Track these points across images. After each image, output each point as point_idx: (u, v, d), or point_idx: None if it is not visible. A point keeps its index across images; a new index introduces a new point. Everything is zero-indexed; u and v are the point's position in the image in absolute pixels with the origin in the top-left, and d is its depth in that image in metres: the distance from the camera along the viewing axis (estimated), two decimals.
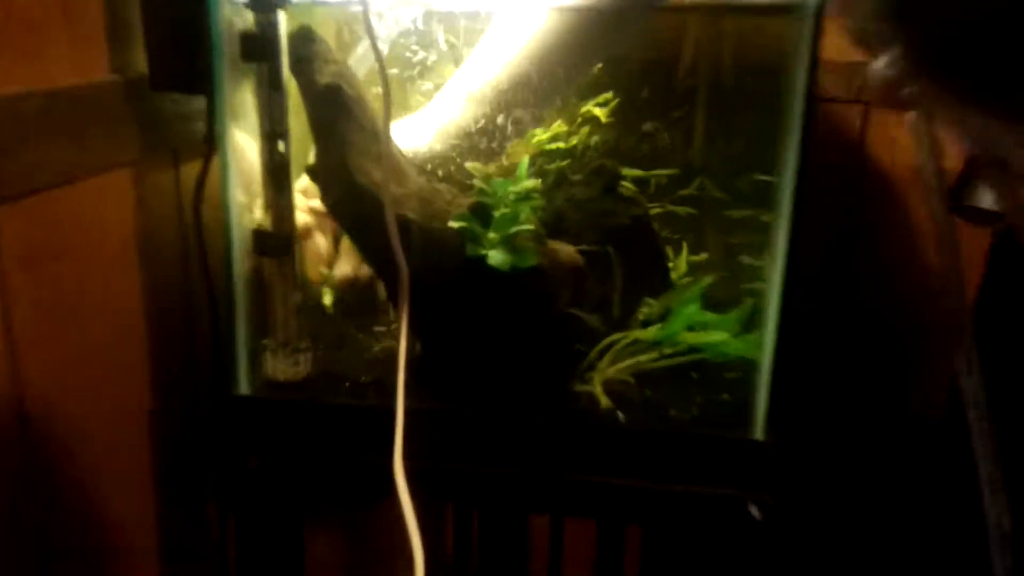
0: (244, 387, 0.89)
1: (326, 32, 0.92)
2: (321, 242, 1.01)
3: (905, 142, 1.29)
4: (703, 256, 1.13)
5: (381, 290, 1.01)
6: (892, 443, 1.42)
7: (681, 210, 1.18)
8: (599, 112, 1.22)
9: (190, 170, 0.96)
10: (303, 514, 1.02)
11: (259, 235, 0.85)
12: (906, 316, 1.37)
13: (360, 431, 0.87)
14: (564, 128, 1.21)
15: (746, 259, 1.09)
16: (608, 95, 1.20)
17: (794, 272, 0.81)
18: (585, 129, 1.21)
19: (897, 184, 1.36)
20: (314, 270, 1.00)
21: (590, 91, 1.19)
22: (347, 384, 0.92)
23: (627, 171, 1.08)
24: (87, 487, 0.90)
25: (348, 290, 0.99)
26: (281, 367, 0.90)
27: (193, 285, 1.01)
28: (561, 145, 1.20)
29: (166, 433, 1.00)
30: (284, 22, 0.81)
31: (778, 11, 0.87)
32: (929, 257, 1.33)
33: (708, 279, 0.89)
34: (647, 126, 1.15)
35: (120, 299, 0.93)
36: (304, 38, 0.86)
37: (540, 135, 1.18)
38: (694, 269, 1.11)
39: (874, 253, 1.38)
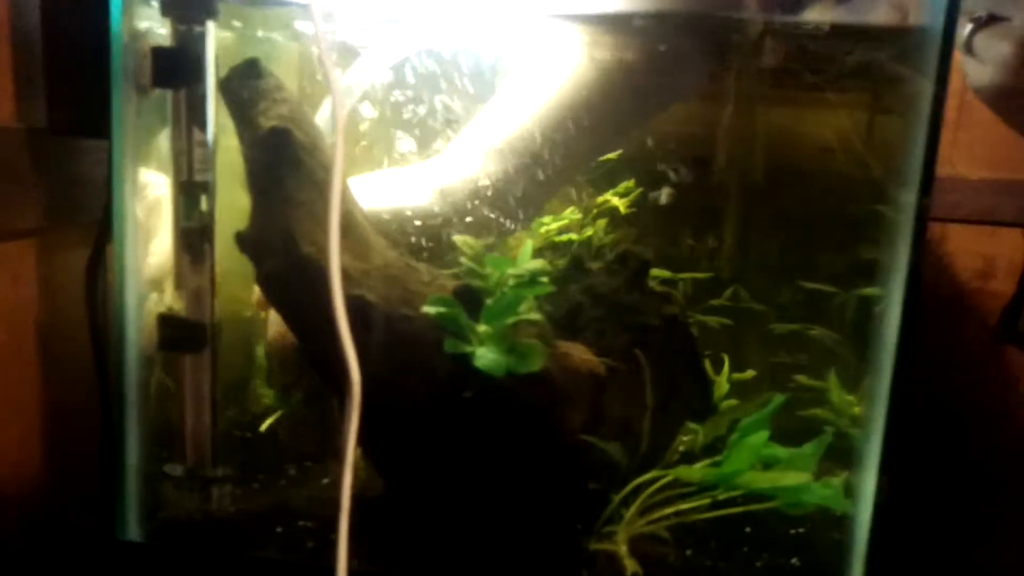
0: (132, 530, 0.65)
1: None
2: None
3: (949, 261, 1.13)
4: (750, 374, 0.90)
5: None
6: None
7: (713, 320, 0.99)
8: (618, 203, 1.02)
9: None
10: None
11: (165, 322, 0.63)
12: (958, 451, 1.17)
13: None
14: (577, 217, 1.01)
15: (803, 379, 0.89)
16: (630, 183, 1.02)
17: (902, 397, 0.59)
18: (602, 221, 1.02)
19: (942, 307, 1.17)
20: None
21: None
22: (279, 530, 0.68)
23: (655, 272, 0.87)
24: None
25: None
26: (186, 503, 0.65)
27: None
28: (574, 237, 1.00)
29: None
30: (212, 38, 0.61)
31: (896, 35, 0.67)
32: (978, 385, 1.15)
33: (780, 397, 0.66)
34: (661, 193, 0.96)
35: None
36: (247, 72, 0.67)
37: (548, 223, 0.98)
38: (739, 390, 0.88)
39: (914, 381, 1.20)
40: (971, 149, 1.13)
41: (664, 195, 0.97)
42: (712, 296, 1.00)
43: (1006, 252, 1.14)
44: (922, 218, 0.58)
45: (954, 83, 1.13)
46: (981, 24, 0.50)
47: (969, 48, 0.52)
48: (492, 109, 0.81)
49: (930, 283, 1.19)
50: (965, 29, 0.52)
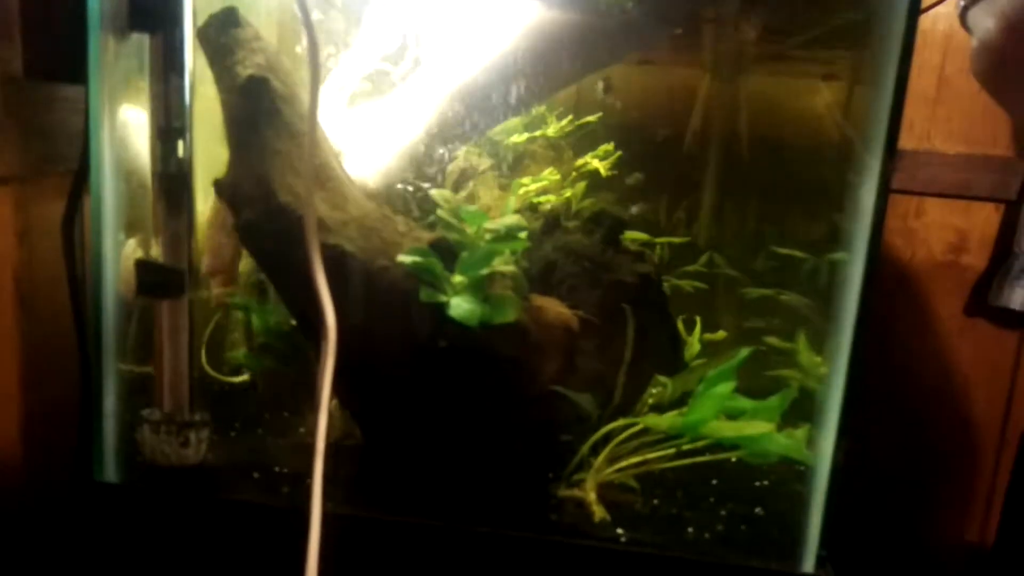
0: (110, 471, 0.66)
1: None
2: None
3: (925, 234, 1.15)
4: (721, 334, 0.92)
5: None
6: None
7: (687, 284, 1.00)
8: (599, 165, 1.03)
9: None
10: None
11: (143, 268, 0.64)
12: (929, 423, 1.22)
13: (264, 540, 0.63)
14: (556, 178, 1.02)
15: (773, 340, 0.90)
16: (609, 146, 1.02)
17: (859, 356, 0.61)
18: (581, 184, 1.02)
19: (915, 279, 1.19)
20: None
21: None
22: (256, 475, 0.69)
23: (630, 234, 0.88)
24: None
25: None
26: (164, 448, 0.66)
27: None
28: (552, 198, 1.00)
29: (16, 530, 0.75)
30: None
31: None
32: (949, 357, 1.19)
33: (746, 351, 0.67)
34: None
35: None
36: (226, 21, 0.67)
37: (527, 183, 0.99)
38: (709, 350, 0.89)
39: (887, 352, 1.20)
40: (948, 124, 1.14)
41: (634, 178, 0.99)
42: (688, 262, 1.01)
43: (979, 226, 1.16)
44: (885, 183, 0.59)
45: (933, 59, 1.14)
46: (971, 2, 0.51)
47: (964, 26, 0.53)
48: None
49: (904, 256, 1.20)
50: (958, 8, 0.53)
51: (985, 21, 0.48)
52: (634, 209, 1.01)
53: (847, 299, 0.64)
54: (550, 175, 1.00)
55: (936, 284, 1.19)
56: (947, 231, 1.19)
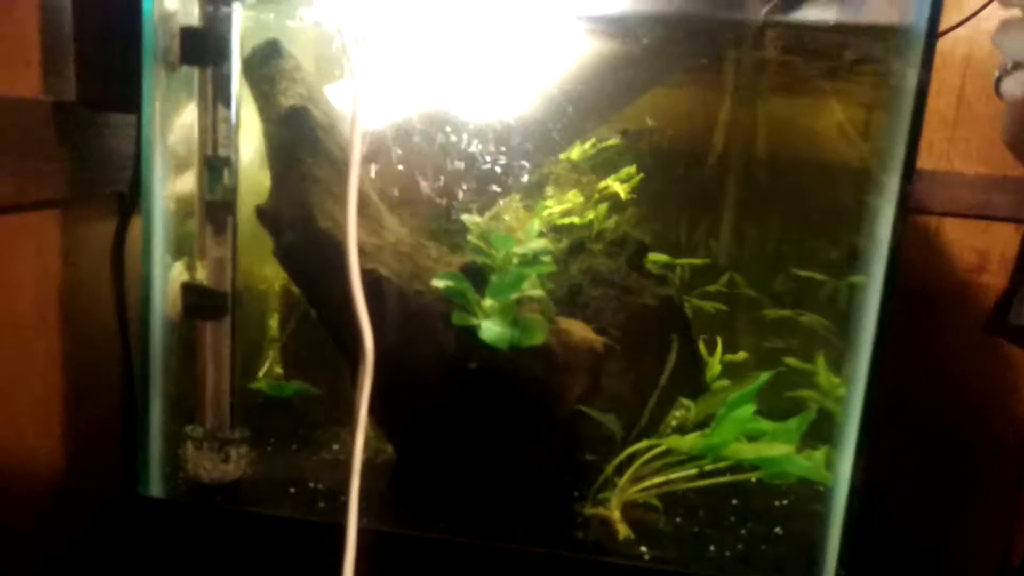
0: (155, 487, 0.68)
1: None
2: None
3: (944, 255, 1.15)
4: (742, 355, 0.94)
5: None
6: None
7: (709, 305, 1.02)
8: (620, 188, 1.05)
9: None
10: None
11: (189, 291, 0.66)
12: (949, 442, 1.21)
13: (303, 554, 0.66)
14: (579, 201, 1.04)
15: (792, 361, 0.91)
16: (631, 169, 1.04)
17: (879, 377, 0.62)
18: (603, 206, 1.04)
19: (935, 299, 1.20)
20: None
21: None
22: (293, 491, 0.71)
23: (652, 256, 0.90)
24: None
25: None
26: (206, 464, 0.69)
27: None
28: (576, 220, 1.02)
29: (60, 543, 0.78)
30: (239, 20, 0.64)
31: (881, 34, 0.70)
32: (969, 376, 1.18)
33: (767, 374, 0.69)
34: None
35: (27, 375, 0.73)
36: (269, 53, 0.70)
37: (551, 206, 1.01)
38: (731, 371, 0.91)
39: (907, 371, 1.21)
40: (968, 145, 1.15)
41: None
42: (709, 281, 1.03)
43: (999, 246, 1.16)
44: (903, 207, 0.61)
45: (952, 81, 1.15)
46: (1005, 72, 0.53)
47: (997, 94, 0.56)
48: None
49: (924, 275, 1.21)
50: (995, 77, 0.56)
51: (1015, 90, 0.51)
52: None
53: (866, 321, 0.66)
54: (573, 197, 1.02)
55: (956, 304, 1.20)
56: (967, 251, 1.19)
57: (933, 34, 0.55)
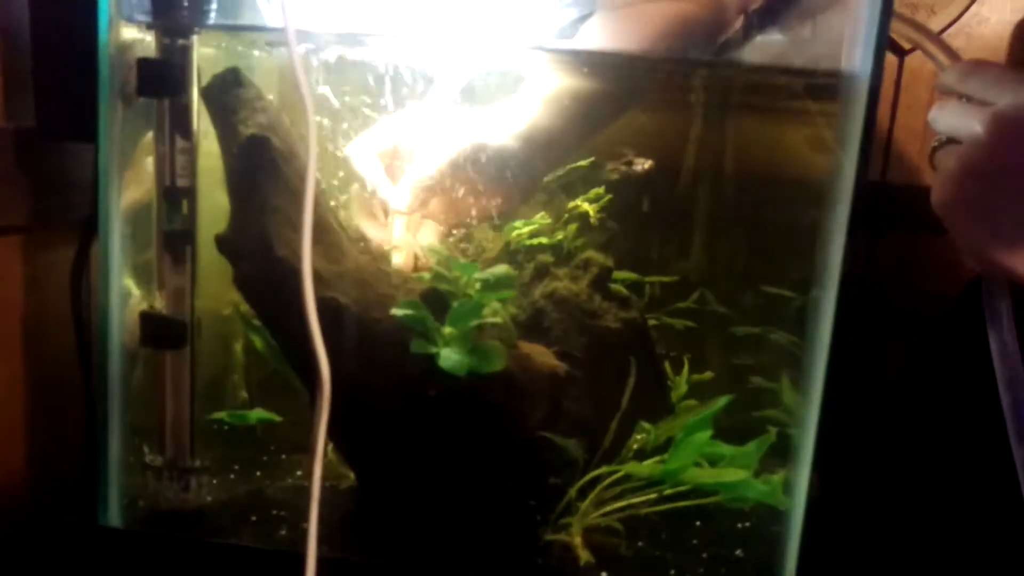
0: (116, 517, 0.68)
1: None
2: None
3: (917, 269, 1.16)
4: (708, 375, 0.94)
5: None
6: None
7: (679, 323, 1.02)
8: (588, 208, 1.05)
9: None
10: None
11: (147, 320, 0.66)
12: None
13: None
14: (548, 221, 1.04)
15: (758, 380, 0.92)
16: (599, 190, 1.04)
17: (832, 398, 0.63)
18: (573, 226, 1.05)
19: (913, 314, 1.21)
20: None
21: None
22: (254, 519, 0.71)
23: (618, 274, 0.90)
24: None
25: None
26: (166, 493, 0.69)
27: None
28: (544, 240, 1.02)
29: (19, 574, 0.78)
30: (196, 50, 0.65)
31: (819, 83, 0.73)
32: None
33: (725, 399, 0.70)
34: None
35: None
36: (229, 82, 0.70)
37: (519, 227, 1.01)
38: (697, 391, 0.92)
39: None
40: None
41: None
42: (679, 299, 1.04)
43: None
44: (853, 227, 0.63)
45: (921, 96, 1.17)
46: (941, 144, 0.57)
47: (932, 164, 0.59)
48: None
49: (897, 291, 1.22)
50: (929, 149, 0.60)
51: (947, 162, 0.55)
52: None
53: (820, 337, 0.67)
54: (541, 219, 1.03)
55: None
56: (940, 265, 1.20)
57: (878, 76, 0.59)
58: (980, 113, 0.52)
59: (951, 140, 0.56)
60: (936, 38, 0.61)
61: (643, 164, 1.01)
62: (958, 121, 0.54)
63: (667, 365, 0.92)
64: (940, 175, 0.56)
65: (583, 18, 0.79)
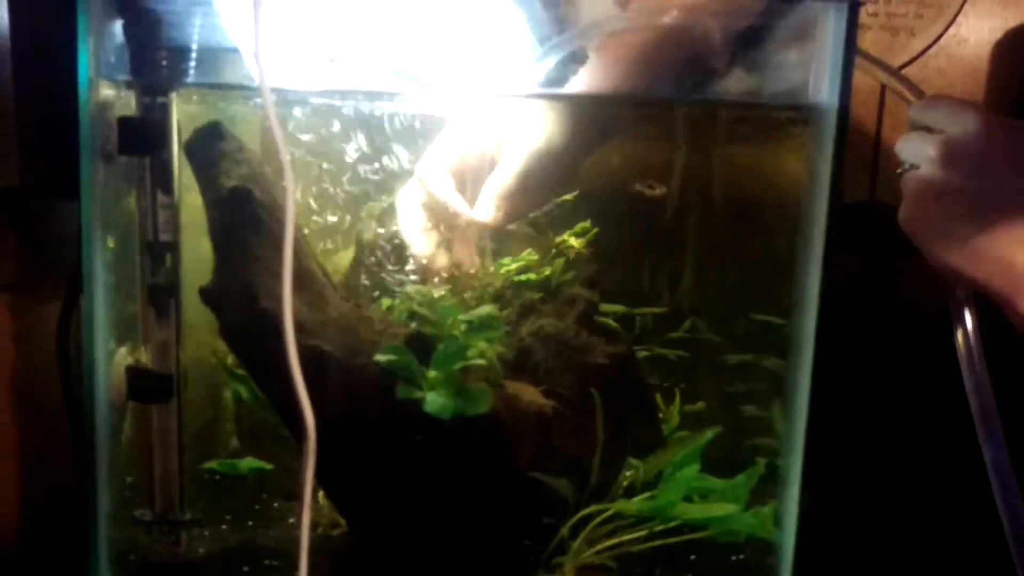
0: (104, 572, 0.68)
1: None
2: None
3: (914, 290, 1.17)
4: (700, 405, 0.94)
5: None
6: None
7: (671, 353, 1.02)
8: (575, 243, 1.06)
9: None
10: None
11: (133, 374, 0.67)
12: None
13: None
14: (535, 258, 1.05)
15: (751, 409, 0.92)
16: (585, 224, 1.05)
17: (815, 429, 0.64)
18: (560, 261, 1.05)
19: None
20: None
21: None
22: (246, 570, 0.71)
23: (606, 307, 0.91)
24: None
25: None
26: (156, 547, 0.69)
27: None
28: (532, 277, 1.03)
29: None
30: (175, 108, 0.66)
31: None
32: None
33: (711, 432, 0.70)
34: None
35: None
36: (211, 135, 0.71)
37: (508, 264, 1.02)
38: (690, 421, 0.92)
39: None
40: None
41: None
42: (670, 328, 1.04)
43: None
44: (828, 254, 0.66)
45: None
46: (905, 171, 0.63)
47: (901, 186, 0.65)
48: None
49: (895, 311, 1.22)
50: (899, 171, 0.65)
51: (909, 185, 0.62)
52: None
53: (802, 363, 0.68)
54: (528, 256, 1.03)
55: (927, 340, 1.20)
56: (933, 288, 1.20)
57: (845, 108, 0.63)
58: (934, 141, 0.59)
59: (913, 166, 0.62)
60: (898, 75, 0.68)
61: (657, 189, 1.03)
62: (918, 149, 0.61)
63: (658, 397, 0.92)
64: (905, 197, 0.62)
65: (575, 59, 0.79)
